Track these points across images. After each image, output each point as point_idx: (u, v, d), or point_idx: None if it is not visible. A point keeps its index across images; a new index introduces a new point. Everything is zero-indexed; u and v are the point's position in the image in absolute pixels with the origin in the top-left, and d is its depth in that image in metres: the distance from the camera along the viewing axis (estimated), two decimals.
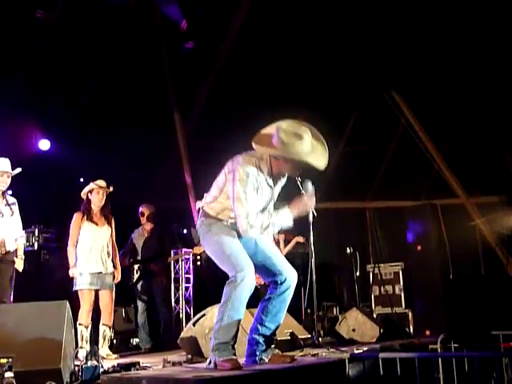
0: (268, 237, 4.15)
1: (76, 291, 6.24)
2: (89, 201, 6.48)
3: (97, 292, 6.33)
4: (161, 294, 7.88)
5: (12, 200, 5.95)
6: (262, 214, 3.87)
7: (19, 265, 5.86)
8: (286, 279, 3.99)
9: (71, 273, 6.26)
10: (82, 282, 6.21)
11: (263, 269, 4.01)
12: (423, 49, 11.54)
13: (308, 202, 3.93)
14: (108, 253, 6.44)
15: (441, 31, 11.41)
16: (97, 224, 6.42)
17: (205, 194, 4.14)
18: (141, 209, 7.86)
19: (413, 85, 11.74)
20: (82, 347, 5.68)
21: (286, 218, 3.88)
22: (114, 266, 6.51)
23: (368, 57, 11.48)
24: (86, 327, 6.14)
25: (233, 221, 3.92)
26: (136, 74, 10.68)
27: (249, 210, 3.77)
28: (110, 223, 6.53)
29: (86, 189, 6.48)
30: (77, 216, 6.42)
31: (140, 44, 10.69)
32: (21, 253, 5.95)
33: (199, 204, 4.13)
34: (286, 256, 4.37)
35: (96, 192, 6.45)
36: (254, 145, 3.92)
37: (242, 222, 3.79)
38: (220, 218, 3.98)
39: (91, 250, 6.30)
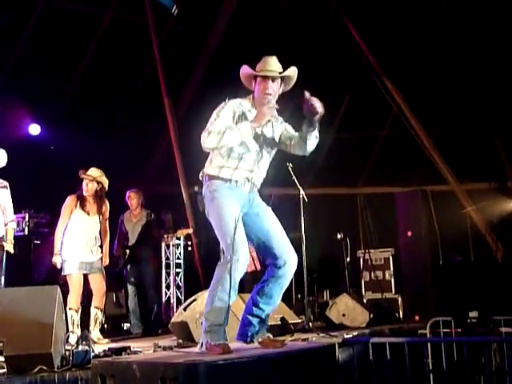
0: (272, 214, 4.06)
1: (65, 276, 6.22)
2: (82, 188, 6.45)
3: (86, 276, 6.30)
4: (150, 278, 7.85)
5: (3, 183, 5.90)
6: (241, 147, 3.89)
7: (9, 248, 5.83)
8: (285, 263, 3.93)
9: (53, 260, 6.18)
10: (71, 266, 6.15)
11: (264, 248, 3.96)
12: (414, 36, 11.55)
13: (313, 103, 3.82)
14: (96, 241, 6.38)
15: (432, 19, 11.43)
16: (88, 213, 6.32)
17: None
18: (128, 193, 7.82)
19: (404, 72, 11.75)
20: (72, 332, 5.67)
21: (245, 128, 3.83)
22: (102, 251, 6.47)
23: (360, 43, 11.49)
24: (77, 311, 6.11)
25: (236, 178, 3.92)
26: (126, 58, 10.63)
27: (213, 125, 3.82)
28: (101, 212, 6.43)
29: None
30: (69, 200, 6.33)
31: (130, 28, 10.62)
32: (10, 237, 5.89)
33: (201, 172, 4.09)
34: None
35: (84, 180, 6.40)
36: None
37: (202, 134, 3.82)
38: (222, 176, 3.93)
39: (79, 240, 6.23)
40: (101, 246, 6.47)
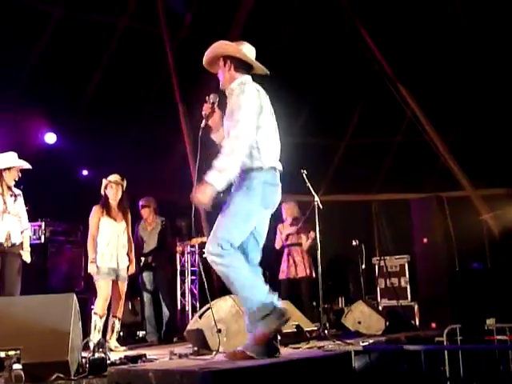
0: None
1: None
2: (106, 196, 6.53)
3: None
4: (164, 286, 7.86)
5: (17, 191, 6.00)
6: None
7: (26, 256, 5.92)
8: None
9: (90, 268, 6.28)
10: (100, 272, 6.26)
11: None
12: (429, 41, 11.52)
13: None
14: (123, 247, 6.49)
15: (446, 24, 11.39)
16: (115, 219, 6.45)
17: None
18: (141, 202, 7.84)
19: (419, 77, 11.71)
20: (90, 340, 5.69)
21: None
22: (129, 260, 6.56)
23: (374, 49, 11.47)
24: (101, 317, 6.16)
25: None
26: (141, 66, 10.69)
27: None
28: (126, 218, 6.56)
29: (103, 185, 6.54)
30: (96, 209, 6.45)
31: (145, 36, 10.68)
32: (27, 245, 5.99)
33: None
34: None
35: (110, 187, 6.50)
36: None
37: None
38: None
39: (108, 246, 6.34)
40: (127, 254, 6.55)
